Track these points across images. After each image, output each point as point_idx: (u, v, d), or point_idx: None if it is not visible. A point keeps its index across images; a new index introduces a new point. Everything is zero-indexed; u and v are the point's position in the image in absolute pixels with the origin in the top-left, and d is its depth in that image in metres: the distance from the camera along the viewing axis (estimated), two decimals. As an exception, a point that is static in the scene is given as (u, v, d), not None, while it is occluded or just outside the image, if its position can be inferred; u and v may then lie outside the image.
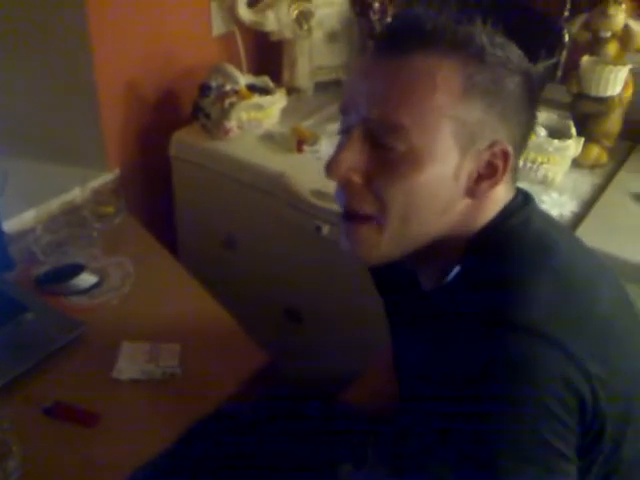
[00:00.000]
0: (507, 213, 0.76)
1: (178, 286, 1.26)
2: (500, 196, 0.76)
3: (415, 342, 0.85)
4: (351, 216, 0.75)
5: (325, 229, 1.34)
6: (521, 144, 0.76)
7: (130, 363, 1.07)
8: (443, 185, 0.72)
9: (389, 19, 1.60)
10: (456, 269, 0.77)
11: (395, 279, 0.90)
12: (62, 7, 1.35)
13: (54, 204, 1.41)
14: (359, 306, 1.41)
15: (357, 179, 0.73)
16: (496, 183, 0.74)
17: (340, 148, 0.73)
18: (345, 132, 0.75)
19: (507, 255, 0.74)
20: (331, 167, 0.73)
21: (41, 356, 1.07)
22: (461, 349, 0.69)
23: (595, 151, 1.41)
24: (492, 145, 0.72)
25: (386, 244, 0.75)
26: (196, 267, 1.35)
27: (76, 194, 1.44)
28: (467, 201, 0.74)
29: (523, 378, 0.65)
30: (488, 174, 0.73)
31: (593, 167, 1.42)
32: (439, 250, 0.77)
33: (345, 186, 0.74)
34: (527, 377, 0.65)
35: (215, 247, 1.61)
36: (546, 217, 0.84)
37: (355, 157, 0.72)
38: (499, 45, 0.71)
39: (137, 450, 0.95)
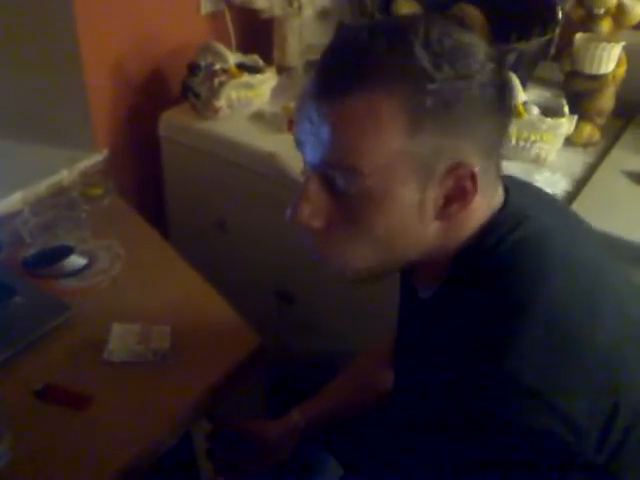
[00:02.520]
0: (492, 227, 0.72)
1: (168, 268, 1.25)
2: (479, 208, 0.71)
3: (411, 342, 0.85)
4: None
5: (317, 209, 1.33)
6: (494, 147, 0.71)
7: (121, 345, 1.06)
8: (408, 220, 0.69)
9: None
10: (439, 284, 0.76)
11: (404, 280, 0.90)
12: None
13: (42, 186, 1.39)
14: (351, 292, 1.41)
15: (319, 224, 0.71)
16: (468, 204, 0.69)
17: (299, 194, 0.70)
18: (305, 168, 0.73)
19: (492, 282, 0.70)
20: (292, 215, 0.71)
21: (30, 339, 1.06)
22: (442, 371, 0.68)
23: (588, 129, 1.40)
24: (455, 168, 0.67)
25: (359, 262, 0.73)
26: (187, 249, 1.33)
27: (64, 175, 1.42)
28: (438, 224, 0.70)
29: (502, 424, 0.62)
30: (457, 196, 0.68)
31: (586, 145, 1.41)
32: (423, 266, 0.76)
33: (308, 231, 0.72)
34: (505, 423, 0.62)
35: (206, 228, 1.59)
36: (543, 213, 0.77)
37: (314, 204, 0.70)
38: (449, 56, 0.64)
39: (129, 433, 0.94)
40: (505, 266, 0.71)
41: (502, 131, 0.71)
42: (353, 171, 0.66)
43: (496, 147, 0.71)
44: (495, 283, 0.70)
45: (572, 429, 0.62)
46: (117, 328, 1.09)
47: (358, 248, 0.71)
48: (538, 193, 0.87)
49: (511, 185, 0.77)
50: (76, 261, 1.23)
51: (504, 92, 0.69)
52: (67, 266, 1.22)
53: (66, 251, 1.24)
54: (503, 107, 0.69)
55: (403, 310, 0.92)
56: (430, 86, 0.63)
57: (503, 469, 0.64)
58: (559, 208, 0.88)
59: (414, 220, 0.69)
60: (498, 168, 0.73)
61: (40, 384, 0.99)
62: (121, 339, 1.07)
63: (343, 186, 0.68)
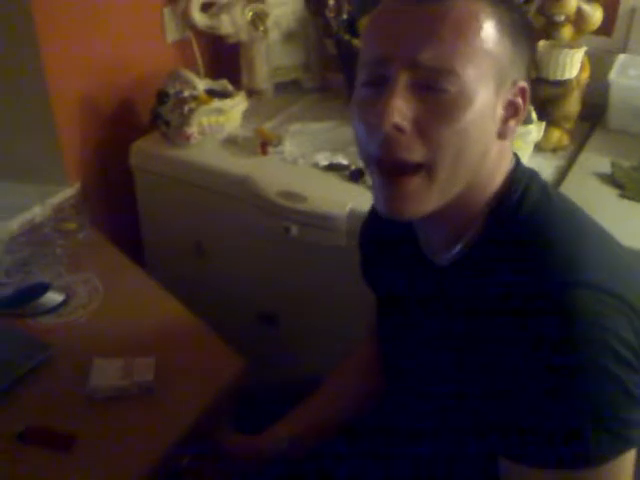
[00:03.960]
0: (514, 178, 0.78)
1: (148, 298, 1.23)
2: (509, 148, 0.79)
3: (430, 329, 0.83)
4: (396, 169, 0.72)
5: (294, 230, 1.33)
6: (527, 77, 0.78)
7: (103, 380, 1.04)
8: (485, 124, 0.72)
9: (344, 16, 1.59)
10: (471, 238, 0.77)
11: (392, 253, 0.89)
12: (9, 22, 1.32)
13: (14, 223, 1.37)
14: (333, 304, 1.40)
15: (408, 126, 0.70)
16: (520, 120, 0.76)
17: (388, 96, 0.70)
18: (378, 83, 0.72)
19: (531, 228, 0.74)
20: (381, 116, 0.69)
21: (10, 380, 1.03)
22: (514, 325, 0.69)
23: (556, 134, 1.42)
24: (514, 83, 0.74)
25: (436, 194, 0.73)
26: (165, 277, 1.32)
27: (36, 212, 1.40)
28: (498, 144, 0.75)
29: (593, 332, 0.66)
30: (512, 113, 0.75)
31: (555, 150, 1.43)
32: (457, 209, 0.76)
33: (392, 136, 0.70)
34: (596, 330, 0.66)
35: (183, 256, 1.58)
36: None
37: (405, 103, 0.70)
38: None
39: (117, 472, 0.92)
40: (540, 213, 0.75)
41: (531, 62, 0.78)
42: (454, 69, 0.69)
43: (529, 76, 0.77)
44: (535, 230, 0.74)
45: None
46: (98, 363, 1.06)
47: (442, 152, 0.71)
48: None
49: None
50: (53, 298, 1.21)
51: (531, 28, 0.82)
52: (44, 303, 1.20)
53: (42, 288, 1.22)
54: (531, 38, 0.80)
55: (404, 292, 0.89)
56: (511, 4, 0.75)
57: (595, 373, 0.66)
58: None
59: (487, 128, 0.73)
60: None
61: (21, 426, 0.96)
62: (103, 374, 1.05)
63: (442, 86, 0.70)
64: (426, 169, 0.72)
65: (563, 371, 0.66)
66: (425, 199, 0.73)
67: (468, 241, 0.78)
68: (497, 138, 0.75)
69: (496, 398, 0.71)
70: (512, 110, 0.75)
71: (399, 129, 0.70)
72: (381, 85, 0.71)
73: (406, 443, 0.90)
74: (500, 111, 0.74)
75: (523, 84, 0.75)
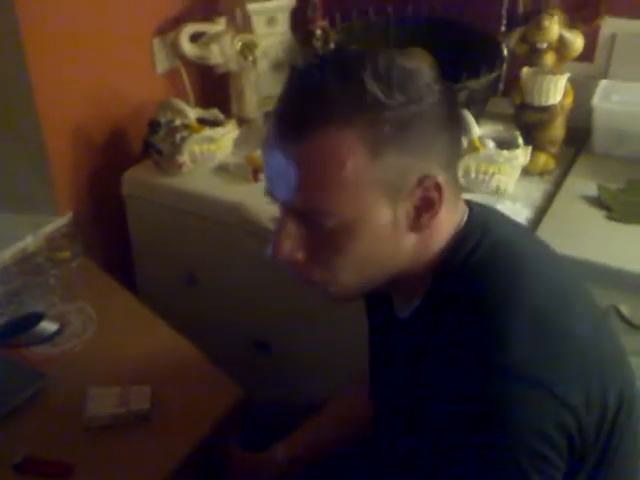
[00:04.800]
0: (466, 238, 0.76)
1: (143, 326, 1.24)
2: (446, 218, 0.75)
3: (391, 370, 0.85)
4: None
5: (287, 256, 1.34)
6: (452, 160, 0.75)
7: (99, 409, 1.03)
8: (384, 237, 0.72)
9: (332, 45, 1.62)
10: (417, 301, 0.78)
11: (376, 303, 0.91)
12: (1, 57, 1.33)
13: (6, 253, 1.37)
14: (327, 331, 1.41)
15: (301, 256, 0.74)
16: (436, 213, 0.73)
17: (276, 231, 0.74)
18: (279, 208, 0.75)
19: (473, 286, 0.74)
20: (274, 254, 0.73)
21: (5, 411, 1.03)
22: (439, 388, 0.69)
23: (543, 159, 1.45)
24: (420, 182, 0.70)
25: (349, 290, 0.77)
26: (158, 306, 1.32)
27: (28, 241, 1.40)
28: (413, 236, 0.74)
29: (508, 422, 0.65)
30: (426, 207, 0.72)
31: (542, 174, 1.46)
32: (404, 280, 0.77)
33: (290, 262, 0.74)
34: (511, 421, 0.65)
35: (176, 284, 1.58)
36: (507, 225, 0.84)
37: (293, 239, 0.73)
38: (398, 83, 0.68)
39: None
40: (481, 273, 0.74)
41: (457, 143, 0.76)
42: (323, 209, 0.69)
43: (453, 159, 0.76)
44: (475, 290, 0.73)
45: (574, 417, 0.66)
46: (94, 392, 1.06)
47: (340, 272, 0.74)
48: (494, 210, 0.90)
49: (471, 203, 0.82)
50: (47, 327, 1.21)
51: (453, 108, 0.75)
52: (38, 333, 1.20)
53: (36, 318, 1.22)
54: (454, 122, 0.75)
55: (377, 336, 0.93)
56: (385, 114, 0.67)
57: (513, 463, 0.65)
58: (513, 221, 0.92)
59: (390, 237, 0.72)
60: (457, 180, 0.78)
61: (19, 457, 0.96)
62: (99, 403, 1.05)
63: (318, 222, 0.71)
64: (329, 282, 0.75)
65: (475, 448, 0.66)
66: (340, 295, 0.78)
67: (421, 296, 0.78)
68: (410, 232, 0.73)
69: (428, 449, 0.71)
70: (425, 204, 0.72)
71: (293, 260, 0.74)
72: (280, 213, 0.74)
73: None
74: (408, 211, 0.71)
75: (435, 179, 0.71)
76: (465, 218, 0.78)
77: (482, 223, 0.78)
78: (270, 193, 0.75)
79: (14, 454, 0.96)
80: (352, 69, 0.68)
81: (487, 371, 0.67)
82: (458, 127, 0.77)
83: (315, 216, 0.70)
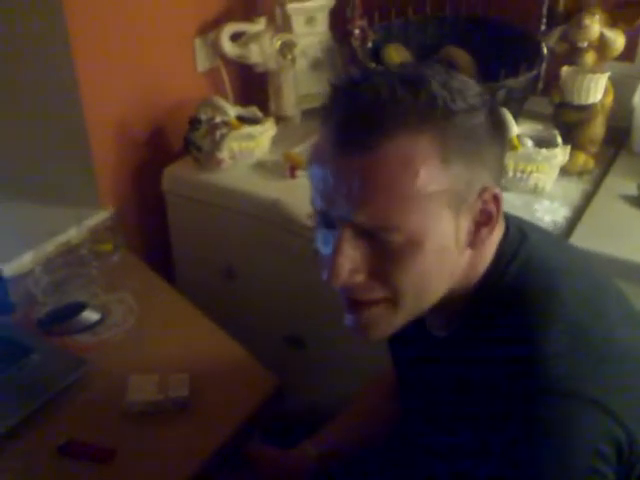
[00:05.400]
0: (504, 255, 0.75)
1: (182, 317, 1.26)
2: (497, 234, 0.75)
3: (427, 386, 0.84)
4: (358, 303, 0.72)
5: (324, 251, 1.35)
6: (501, 172, 0.75)
7: (139, 396, 1.06)
8: (447, 253, 0.70)
9: (370, 44, 1.63)
10: (458, 320, 0.77)
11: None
12: (48, 49, 1.37)
13: (51, 245, 1.41)
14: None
15: (360, 278, 0.69)
16: (494, 228, 0.72)
17: (334, 253, 0.68)
18: (328, 226, 0.70)
19: (515, 306, 0.73)
20: (332, 277, 0.68)
21: (49, 396, 1.06)
22: (482, 411, 0.69)
23: (582, 158, 1.44)
24: (481, 193, 0.70)
25: (402, 317, 0.73)
26: (195, 298, 1.35)
27: (72, 234, 1.44)
28: (469, 253, 0.73)
29: (563, 443, 0.64)
30: (484, 221, 0.71)
31: (581, 173, 1.45)
32: (448, 300, 0.75)
33: (348, 286, 0.70)
34: (567, 441, 0.64)
35: (214, 278, 1.61)
36: (541, 237, 0.82)
37: (352, 259, 0.68)
38: (458, 92, 0.67)
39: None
40: (520, 292, 0.73)
41: (504, 156, 0.75)
42: (390, 228, 0.66)
43: (501, 172, 0.75)
44: (514, 310, 0.72)
45: (625, 431, 0.65)
46: (134, 380, 1.09)
47: (401, 292, 0.70)
48: (524, 221, 0.88)
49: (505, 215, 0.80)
50: (89, 316, 1.24)
51: (501, 121, 0.74)
52: (81, 322, 1.23)
53: (79, 307, 1.25)
54: (502, 134, 0.74)
55: (407, 350, 0.90)
56: (453, 121, 0.66)
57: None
58: (543, 230, 0.91)
59: (451, 254, 0.70)
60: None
61: (63, 440, 0.99)
62: (139, 390, 1.07)
63: (384, 238, 0.67)
64: (389, 300, 0.71)
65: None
66: (391, 323, 0.73)
67: (462, 314, 0.77)
68: (467, 248, 0.72)
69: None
70: (484, 218, 0.71)
71: (353, 283, 0.69)
72: (333, 228, 0.69)
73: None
74: (469, 225, 0.70)
75: (494, 190, 0.70)
76: (502, 234, 0.77)
77: (518, 242, 0.77)
78: (322, 212, 0.70)
79: (58, 437, 0.99)
80: (419, 78, 0.67)
81: (533, 393, 0.66)
82: (505, 140, 0.75)
83: (381, 233, 0.66)
